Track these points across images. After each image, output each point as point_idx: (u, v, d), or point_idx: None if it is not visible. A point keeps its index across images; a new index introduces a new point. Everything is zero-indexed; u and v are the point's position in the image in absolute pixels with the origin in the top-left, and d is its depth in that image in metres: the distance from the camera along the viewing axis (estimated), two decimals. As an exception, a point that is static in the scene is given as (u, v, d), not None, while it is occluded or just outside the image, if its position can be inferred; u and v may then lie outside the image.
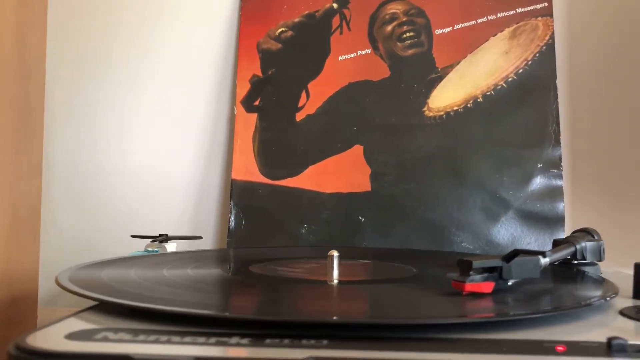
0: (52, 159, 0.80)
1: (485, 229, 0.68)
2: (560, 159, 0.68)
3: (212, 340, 0.26)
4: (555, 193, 0.67)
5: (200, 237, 0.69)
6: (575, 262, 0.47)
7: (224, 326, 0.28)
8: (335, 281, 0.43)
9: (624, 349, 0.25)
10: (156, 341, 0.26)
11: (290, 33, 0.77)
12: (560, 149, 0.68)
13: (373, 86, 0.74)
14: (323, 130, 0.74)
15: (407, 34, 0.74)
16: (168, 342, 0.26)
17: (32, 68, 0.72)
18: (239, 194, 0.73)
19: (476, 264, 0.35)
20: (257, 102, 0.76)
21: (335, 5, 0.77)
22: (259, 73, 0.76)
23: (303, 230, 0.71)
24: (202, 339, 0.26)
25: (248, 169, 0.74)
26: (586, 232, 0.47)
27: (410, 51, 0.74)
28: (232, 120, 0.79)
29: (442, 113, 0.71)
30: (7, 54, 0.66)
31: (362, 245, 0.69)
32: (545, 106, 0.69)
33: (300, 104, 0.75)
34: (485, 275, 0.36)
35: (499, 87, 0.71)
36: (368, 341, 0.27)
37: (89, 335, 0.27)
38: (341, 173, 0.72)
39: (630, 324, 0.32)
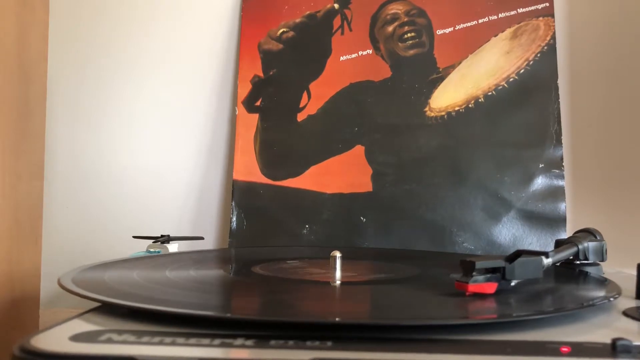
0: (53, 160, 0.80)
1: (487, 229, 0.68)
2: (561, 159, 0.68)
3: (217, 341, 0.26)
4: (556, 193, 0.67)
5: (201, 238, 0.69)
6: (578, 262, 0.47)
7: (228, 327, 0.28)
8: (338, 282, 0.43)
9: (628, 349, 0.25)
10: (160, 343, 0.26)
11: (291, 33, 0.77)
12: (562, 149, 0.68)
13: (374, 86, 0.74)
14: (324, 131, 0.74)
15: (408, 35, 0.74)
16: (172, 343, 0.26)
17: (33, 69, 0.72)
18: (240, 195, 0.73)
19: (479, 264, 0.35)
20: (258, 103, 0.76)
21: (336, 6, 0.76)
22: (260, 73, 0.76)
23: (304, 231, 0.71)
24: (206, 341, 0.26)
25: (249, 170, 0.74)
26: (588, 233, 0.47)
27: (412, 51, 0.74)
28: (233, 120, 0.79)
29: (443, 113, 0.72)
30: (8, 55, 0.66)
31: (363, 245, 0.69)
32: (546, 106, 0.69)
33: (301, 105, 0.75)
34: (488, 275, 0.36)
35: (500, 87, 0.71)
36: (372, 342, 0.27)
37: (93, 337, 0.27)
38: (342, 173, 0.72)
39: (633, 324, 0.32)
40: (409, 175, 0.71)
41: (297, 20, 0.77)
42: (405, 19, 0.75)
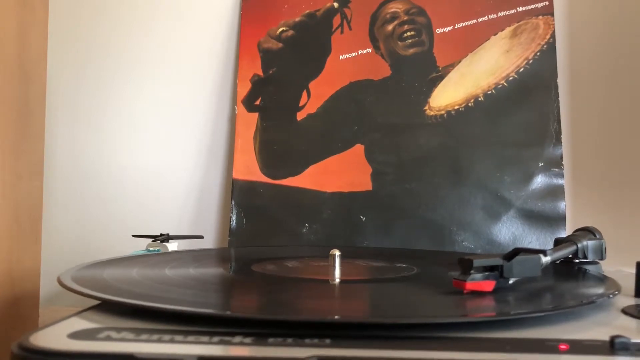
0: (53, 159, 0.80)
1: (486, 228, 0.68)
2: (561, 157, 0.68)
3: (215, 339, 0.26)
4: (556, 192, 0.67)
5: (201, 237, 0.69)
6: (577, 260, 0.47)
7: (226, 325, 0.28)
8: (337, 280, 0.43)
9: (626, 347, 0.25)
10: (159, 340, 0.26)
11: (291, 32, 0.77)
12: (562, 147, 0.68)
13: (374, 85, 0.74)
14: (324, 130, 0.74)
15: (408, 33, 0.74)
16: (171, 341, 0.26)
17: (32, 68, 0.72)
18: (240, 194, 0.73)
19: (477, 262, 0.35)
20: (258, 102, 0.76)
21: (336, 5, 0.76)
22: (260, 72, 0.76)
23: (304, 230, 0.71)
24: (205, 338, 0.26)
25: (249, 169, 0.74)
26: (588, 231, 0.47)
27: (411, 50, 0.74)
28: (233, 119, 0.79)
29: (443, 112, 0.72)
30: (8, 55, 0.66)
31: (363, 244, 0.69)
32: (546, 105, 0.69)
33: (301, 104, 0.75)
34: (486, 274, 0.36)
35: (500, 86, 0.71)
36: (371, 340, 0.27)
37: (92, 335, 0.27)
38: (342, 172, 0.72)
39: (632, 322, 0.32)
40: (409, 174, 0.71)
41: (297, 19, 0.77)
42: (405, 18, 0.75)
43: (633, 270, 0.41)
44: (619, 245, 0.65)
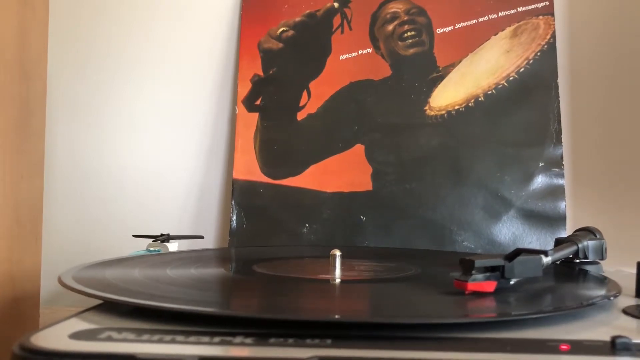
0: (53, 159, 0.80)
1: (487, 228, 0.68)
2: (561, 157, 0.68)
3: (216, 339, 0.26)
4: (556, 192, 0.67)
5: (202, 237, 0.69)
6: (577, 261, 0.47)
7: (227, 325, 0.28)
8: (338, 280, 0.43)
9: (628, 347, 0.25)
10: (160, 340, 0.26)
11: (291, 32, 0.77)
12: (562, 147, 0.68)
13: (374, 85, 0.74)
14: (324, 130, 0.74)
15: (408, 33, 0.74)
16: (172, 341, 0.26)
17: (33, 68, 0.72)
18: (240, 194, 0.73)
19: (478, 263, 0.35)
20: (258, 102, 0.76)
21: (336, 5, 0.76)
22: (260, 72, 0.76)
23: (304, 230, 0.71)
24: (206, 339, 0.26)
25: (249, 169, 0.74)
26: (588, 231, 0.47)
27: (412, 50, 0.74)
28: (233, 119, 0.79)
29: (443, 112, 0.72)
30: (8, 54, 0.66)
31: (363, 244, 0.69)
32: (546, 105, 0.69)
33: (301, 103, 0.75)
34: (488, 274, 0.36)
35: (500, 86, 0.71)
36: (372, 340, 0.27)
37: (93, 335, 0.27)
38: (342, 172, 0.72)
39: (633, 322, 0.32)
40: (409, 174, 0.71)
41: (297, 19, 0.77)
42: (405, 18, 0.75)
43: (633, 270, 0.41)
44: (619, 245, 0.65)
